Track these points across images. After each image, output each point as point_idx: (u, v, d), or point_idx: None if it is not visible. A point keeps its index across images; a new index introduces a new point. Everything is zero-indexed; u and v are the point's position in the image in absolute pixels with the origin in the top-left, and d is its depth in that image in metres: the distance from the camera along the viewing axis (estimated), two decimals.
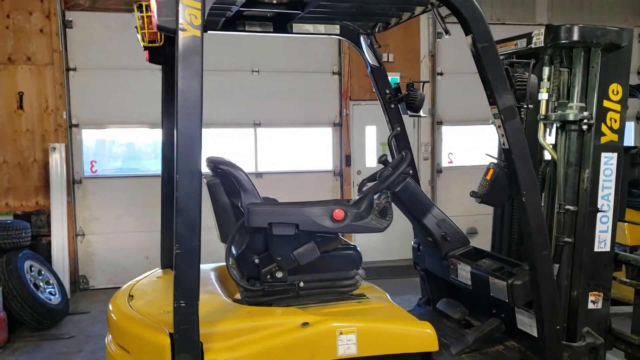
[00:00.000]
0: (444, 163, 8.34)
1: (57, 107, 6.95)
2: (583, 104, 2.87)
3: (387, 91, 3.54)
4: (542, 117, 2.97)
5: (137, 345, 2.40)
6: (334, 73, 7.83)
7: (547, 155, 3.12)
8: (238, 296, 2.88)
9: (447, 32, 2.56)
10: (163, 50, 2.97)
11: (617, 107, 2.86)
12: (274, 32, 3.30)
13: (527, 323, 2.86)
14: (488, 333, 2.99)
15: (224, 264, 2.83)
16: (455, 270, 3.13)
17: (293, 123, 7.74)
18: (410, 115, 3.51)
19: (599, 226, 2.89)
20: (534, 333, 2.77)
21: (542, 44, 2.87)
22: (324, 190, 7.78)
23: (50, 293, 5.96)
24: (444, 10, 2.55)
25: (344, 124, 7.86)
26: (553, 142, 3.05)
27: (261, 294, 2.69)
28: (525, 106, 2.63)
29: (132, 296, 2.77)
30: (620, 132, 2.88)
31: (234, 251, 2.79)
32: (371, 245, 7.76)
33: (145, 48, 2.99)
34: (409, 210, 3.21)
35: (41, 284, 5.92)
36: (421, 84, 3.55)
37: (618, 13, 8.63)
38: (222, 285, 2.96)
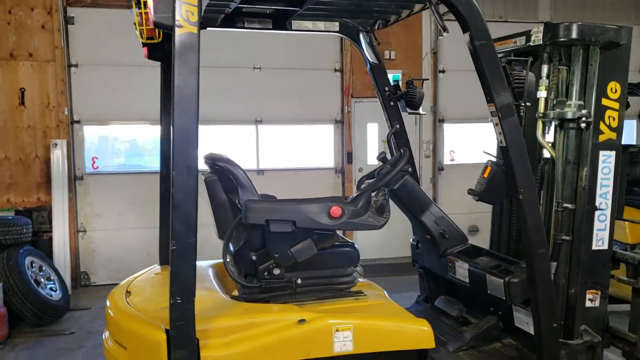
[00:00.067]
0: (446, 161, 8.33)
1: (58, 103, 6.97)
2: (582, 102, 2.86)
3: (387, 88, 3.54)
4: (540, 115, 2.97)
5: (133, 342, 2.41)
6: (335, 70, 7.82)
7: (547, 154, 3.12)
8: (236, 293, 2.89)
9: (444, 29, 2.56)
10: (162, 47, 2.97)
11: (616, 105, 2.85)
12: (273, 28, 3.30)
13: (524, 321, 2.86)
14: (485, 330, 3.00)
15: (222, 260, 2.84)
16: (453, 268, 3.13)
17: (294, 120, 7.75)
18: (410, 113, 3.51)
19: (596, 224, 2.89)
20: (531, 331, 2.77)
21: (541, 42, 2.87)
22: (325, 187, 7.79)
23: (51, 289, 5.98)
24: (443, 9, 2.55)
25: (345, 121, 7.85)
26: (552, 140, 3.05)
27: (258, 291, 2.69)
28: (523, 104, 2.63)
29: (130, 292, 2.78)
30: (619, 130, 2.87)
31: (231, 248, 2.79)
32: (372, 243, 7.77)
33: (144, 45, 3.00)
34: (407, 208, 3.21)
35: (42, 280, 5.95)
36: (421, 81, 3.55)
37: (620, 11, 8.60)
38: (220, 282, 2.97)
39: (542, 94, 2.95)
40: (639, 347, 2.92)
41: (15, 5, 6.82)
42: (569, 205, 2.87)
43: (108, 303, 2.73)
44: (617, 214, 2.98)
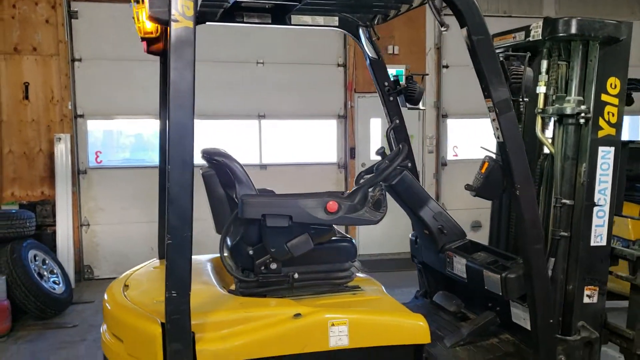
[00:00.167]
0: (449, 156, 8.31)
1: (62, 97, 7.00)
2: (581, 98, 2.85)
3: (386, 84, 3.53)
4: (539, 110, 2.96)
5: (129, 335, 2.43)
6: (338, 65, 7.81)
7: (547, 150, 3.11)
8: (234, 287, 2.90)
9: (442, 24, 2.55)
10: (160, 41, 2.97)
11: (615, 100, 2.84)
12: (272, 23, 3.29)
13: (521, 316, 2.86)
14: (483, 326, 3.00)
15: None
16: (451, 263, 3.13)
17: (297, 115, 7.75)
18: (409, 108, 3.50)
19: (595, 220, 2.88)
20: (528, 326, 2.77)
21: (540, 37, 2.85)
22: (328, 182, 7.79)
23: (54, 282, 6.02)
24: (442, 3, 2.54)
25: (348, 116, 7.85)
26: (552, 136, 3.04)
27: (255, 285, 2.70)
28: (521, 99, 2.61)
29: (128, 286, 2.79)
30: (618, 126, 2.86)
31: (228, 242, 2.80)
32: (373, 238, 7.79)
33: (143, 39, 3.01)
34: (406, 203, 3.21)
35: (45, 273, 5.99)
36: (421, 76, 3.53)
37: (625, 6, 8.52)
38: (218, 276, 2.98)
39: (541, 89, 2.95)
40: (636, 343, 2.91)
41: (20, 0, 6.84)
42: (568, 201, 2.86)
43: (106, 296, 2.75)
44: (616, 210, 2.97)
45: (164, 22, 2.19)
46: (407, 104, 3.48)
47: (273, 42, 7.41)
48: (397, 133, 3.52)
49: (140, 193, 7.09)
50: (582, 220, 2.85)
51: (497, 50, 3.13)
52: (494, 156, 2.83)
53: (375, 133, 7.97)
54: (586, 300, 2.90)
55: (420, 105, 3.49)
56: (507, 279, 2.72)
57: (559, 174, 2.90)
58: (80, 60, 7.07)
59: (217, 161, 2.77)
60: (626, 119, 8.22)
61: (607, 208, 2.88)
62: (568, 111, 2.84)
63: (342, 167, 7.94)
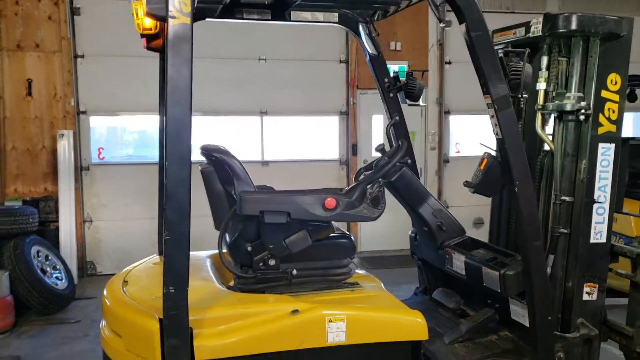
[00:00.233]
0: (452, 153, 8.30)
1: (65, 94, 7.02)
2: (581, 94, 2.83)
3: (386, 80, 3.52)
4: (539, 107, 2.95)
5: (128, 330, 2.44)
6: (341, 61, 7.80)
7: (547, 146, 3.09)
8: (232, 283, 2.91)
9: (441, 20, 2.54)
10: (159, 38, 2.97)
11: (616, 97, 2.82)
12: (272, 19, 3.28)
13: (520, 313, 2.85)
14: (481, 323, 3.00)
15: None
16: (450, 260, 3.13)
17: (299, 111, 7.74)
18: (409, 105, 3.49)
19: (595, 217, 2.86)
20: (527, 323, 2.76)
21: (540, 33, 2.84)
22: (330, 179, 7.79)
23: (57, 278, 6.06)
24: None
25: (350, 112, 7.84)
26: (552, 132, 3.03)
27: (254, 282, 2.70)
28: (519, 96, 2.61)
29: (127, 282, 2.80)
30: (619, 122, 2.84)
31: (227, 238, 2.81)
32: (375, 235, 7.79)
33: (143, 35, 3.01)
34: (405, 200, 3.21)
35: (48, 269, 6.02)
36: (421, 73, 3.52)
37: (630, 2, 8.46)
38: (218, 272, 2.98)
39: (541, 85, 2.93)
40: (635, 340, 2.90)
41: None
42: (567, 198, 2.85)
43: (105, 292, 2.76)
44: (616, 207, 2.95)
45: (162, 19, 2.19)
46: (407, 100, 3.47)
47: (275, 38, 7.40)
48: (397, 129, 3.51)
49: (142, 189, 7.11)
50: (582, 217, 2.84)
51: (498, 47, 3.12)
52: (493, 153, 2.82)
53: (377, 130, 7.96)
54: (585, 297, 2.89)
55: (421, 102, 3.48)
56: (505, 276, 2.71)
57: (559, 171, 2.89)
58: (82, 56, 7.09)
59: (216, 157, 2.78)
60: (630, 116, 8.20)
61: (607, 205, 2.87)
62: (568, 108, 2.82)
63: (344, 164, 7.94)
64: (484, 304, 3.08)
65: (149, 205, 7.01)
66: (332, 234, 2.79)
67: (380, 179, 2.78)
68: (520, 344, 2.90)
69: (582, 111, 2.80)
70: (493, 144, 3.09)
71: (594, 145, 2.81)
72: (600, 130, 2.82)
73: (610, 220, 2.89)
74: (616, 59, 2.81)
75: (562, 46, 2.89)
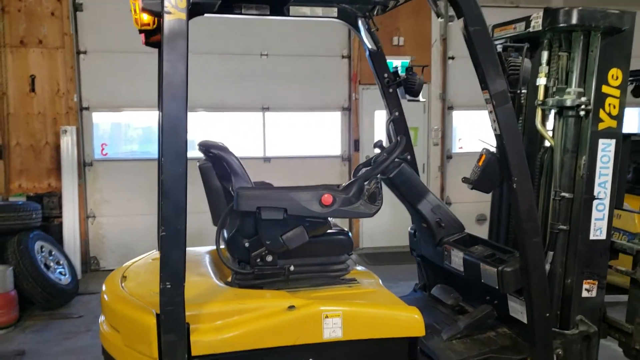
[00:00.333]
0: (455, 149, 8.26)
1: (68, 90, 7.03)
2: (581, 90, 2.81)
3: (386, 75, 3.52)
4: (539, 102, 2.93)
5: (125, 325, 2.45)
6: (343, 57, 7.77)
7: (548, 142, 3.07)
8: (230, 279, 2.91)
9: (439, 15, 2.52)
10: (158, 34, 2.97)
11: (617, 92, 2.80)
12: (270, 14, 3.27)
13: (518, 310, 2.84)
14: (480, 319, 2.99)
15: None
16: (448, 257, 3.12)
17: (302, 107, 7.73)
18: (409, 100, 3.48)
19: (594, 214, 2.85)
20: (525, 320, 2.75)
21: (540, 28, 2.81)
22: (332, 175, 7.77)
23: (60, 273, 6.09)
24: None
25: (353, 108, 7.82)
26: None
27: (251, 277, 2.70)
28: (518, 91, 2.59)
29: (126, 277, 2.81)
30: (619, 118, 2.82)
31: (225, 234, 2.81)
32: (377, 231, 7.77)
33: (141, 31, 3.00)
34: (404, 196, 3.20)
35: (51, 264, 6.05)
36: (421, 68, 3.51)
37: None
38: (216, 267, 2.99)
39: (541, 81, 2.91)
40: (635, 337, 2.89)
41: None
42: (567, 195, 2.84)
43: (104, 287, 2.78)
44: (616, 204, 2.93)
45: (157, 14, 2.19)
46: (406, 95, 3.46)
47: (277, 34, 7.38)
48: (397, 125, 3.50)
49: (145, 185, 7.12)
50: (582, 213, 2.82)
51: (498, 42, 3.10)
52: (492, 149, 2.80)
53: (379, 125, 7.92)
54: (585, 294, 2.88)
55: (420, 97, 3.46)
56: (503, 273, 2.70)
57: (559, 167, 2.87)
58: (85, 52, 7.10)
59: (214, 154, 2.78)
60: (636, 111, 8.13)
61: (607, 201, 2.85)
62: (568, 103, 2.80)
63: (346, 160, 7.92)
64: (483, 301, 3.07)
65: (152, 200, 6.99)
66: (329, 230, 2.78)
67: (378, 175, 2.77)
68: (519, 341, 2.90)
69: (583, 107, 2.79)
70: (493, 140, 3.08)
71: (594, 141, 2.79)
72: (601, 126, 2.80)
73: (611, 216, 2.87)
74: (617, 54, 2.79)
75: (562, 41, 2.87)
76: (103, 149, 7.32)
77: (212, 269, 2.93)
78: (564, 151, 2.86)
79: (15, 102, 6.94)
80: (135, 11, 2.85)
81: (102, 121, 7.40)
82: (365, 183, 2.67)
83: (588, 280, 2.88)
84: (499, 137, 2.56)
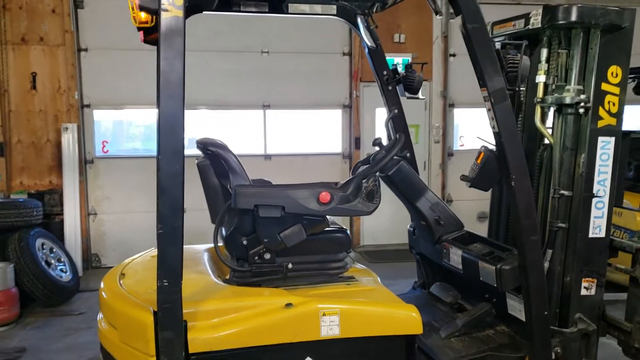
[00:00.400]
0: (456, 146, 8.25)
1: (69, 87, 7.04)
2: (581, 87, 2.80)
3: (385, 72, 3.51)
4: (539, 100, 2.92)
5: (123, 323, 2.45)
6: (344, 54, 7.76)
7: (547, 140, 3.06)
8: (228, 277, 2.91)
9: (437, 12, 2.52)
10: (157, 31, 2.96)
11: (616, 90, 2.79)
12: (269, 12, 3.26)
13: (517, 308, 2.84)
14: (478, 317, 2.99)
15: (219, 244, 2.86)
16: (447, 254, 3.11)
17: (302, 105, 7.72)
18: (408, 97, 3.47)
19: (594, 212, 2.84)
20: (524, 318, 2.75)
21: (540, 25, 2.80)
22: (332, 173, 7.77)
23: (61, 270, 6.10)
24: None
25: (353, 105, 7.81)
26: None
27: (250, 275, 2.70)
28: (517, 89, 2.58)
29: (124, 274, 2.82)
30: (619, 116, 2.81)
31: (223, 232, 2.81)
32: (378, 229, 7.77)
33: (139, 29, 3.00)
34: (403, 194, 3.19)
35: (52, 261, 6.07)
36: (421, 65, 3.50)
37: None
38: (215, 265, 2.99)
39: (540, 78, 2.89)
40: (634, 335, 2.88)
41: None
42: (566, 192, 2.83)
43: (102, 285, 2.78)
44: (616, 202, 2.92)
45: (154, 12, 2.19)
46: (406, 93, 3.45)
47: (278, 31, 7.37)
48: (396, 123, 3.50)
49: (146, 182, 7.07)
50: (581, 211, 2.81)
51: (497, 39, 3.09)
52: (490, 147, 2.79)
53: (380, 123, 7.87)
54: (584, 292, 2.87)
55: (420, 95, 3.46)
56: (501, 271, 2.70)
57: (558, 165, 2.86)
58: (86, 50, 7.10)
59: (212, 151, 2.77)
60: (637, 109, 8.11)
61: (606, 199, 2.84)
62: (567, 101, 2.79)
63: (347, 158, 7.92)
64: (481, 299, 3.07)
65: (153, 198, 6.88)
66: (327, 228, 2.78)
67: (376, 173, 2.77)
68: (517, 339, 2.89)
69: (582, 104, 2.77)
70: (492, 138, 3.07)
71: (593, 139, 2.78)
72: (600, 124, 2.79)
73: (610, 214, 2.86)
74: (617, 51, 2.77)
75: (562, 38, 2.85)
76: (104, 147, 7.33)
77: (210, 267, 2.93)
78: (563, 149, 2.85)
79: (16, 100, 6.95)
80: (132, 9, 2.85)
81: (103, 118, 7.41)
82: (364, 181, 2.67)
83: (587, 279, 2.87)
84: (497, 135, 2.56)
